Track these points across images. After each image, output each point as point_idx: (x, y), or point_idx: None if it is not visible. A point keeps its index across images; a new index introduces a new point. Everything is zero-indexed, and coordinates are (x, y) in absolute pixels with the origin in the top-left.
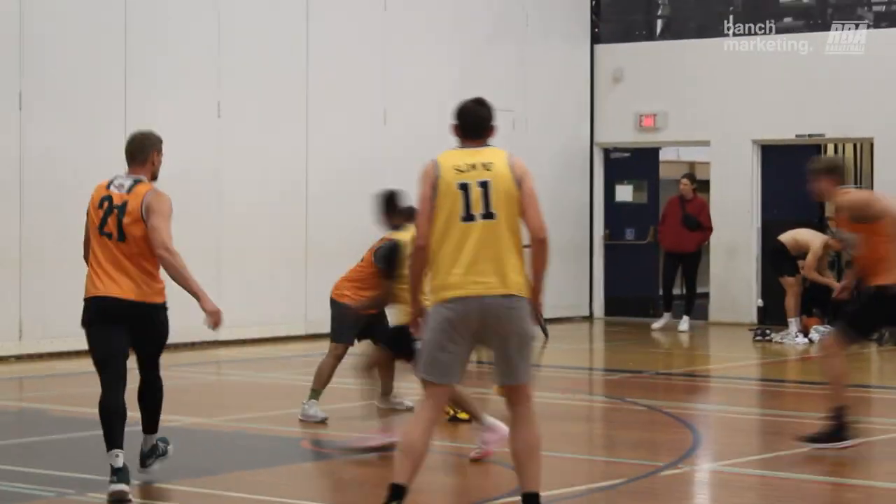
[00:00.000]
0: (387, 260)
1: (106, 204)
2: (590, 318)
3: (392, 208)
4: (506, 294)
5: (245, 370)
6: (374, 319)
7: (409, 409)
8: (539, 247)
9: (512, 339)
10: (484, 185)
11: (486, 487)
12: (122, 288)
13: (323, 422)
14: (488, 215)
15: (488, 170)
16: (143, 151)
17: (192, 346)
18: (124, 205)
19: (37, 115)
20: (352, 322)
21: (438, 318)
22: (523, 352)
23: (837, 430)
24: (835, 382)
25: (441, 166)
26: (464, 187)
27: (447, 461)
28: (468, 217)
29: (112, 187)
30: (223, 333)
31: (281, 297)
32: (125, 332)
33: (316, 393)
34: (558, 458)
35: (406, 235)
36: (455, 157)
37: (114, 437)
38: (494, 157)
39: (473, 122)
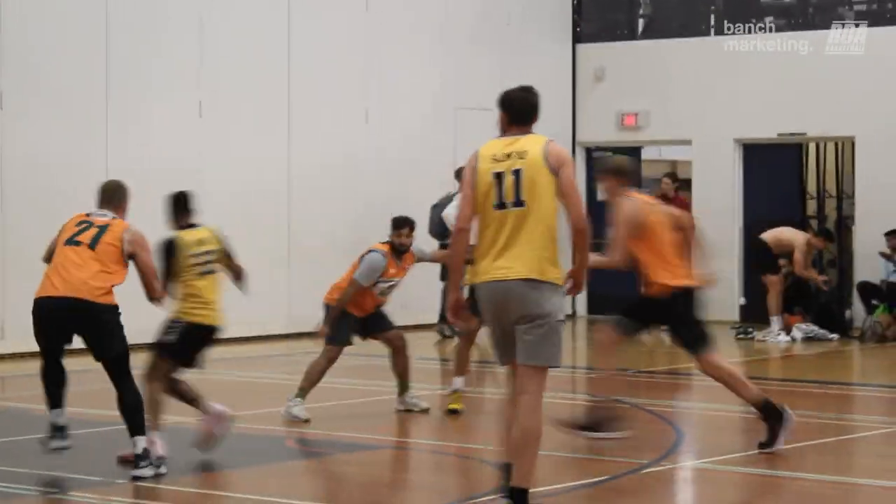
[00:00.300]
0: (163, 253)
1: (84, 225)
2: (573, 316)
3: (181, 209)
4: (527, 278)
5: (227, 369)
6: (369, 318)
7: (424, 411)
8: (578, 236)
9: (529, 321)
10: (517, 173)
11: (466, 485)
12: (76, 289)
13: (306, 422)
14: (519, 203)
15: (522, 158)
16: (117, 198)
17: None
18: (106, 227)
19: (19, 114)
20: (344, 324)
21: (479, 301)
22: (540, 335)
23: (776, 419)
24: (743, 392)
25: (479, 156)
26: (498, 176)
27: (428, 459)
28: (500, 205)
29: (92, 216)
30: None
31: (264, 296)
32: (69, 333)
33: (303, 392)
34: (542, 455)
35: (191, 235)
36: (494, 147)
37: (54, 400)
38: (531, 144)
39: (522, 109)
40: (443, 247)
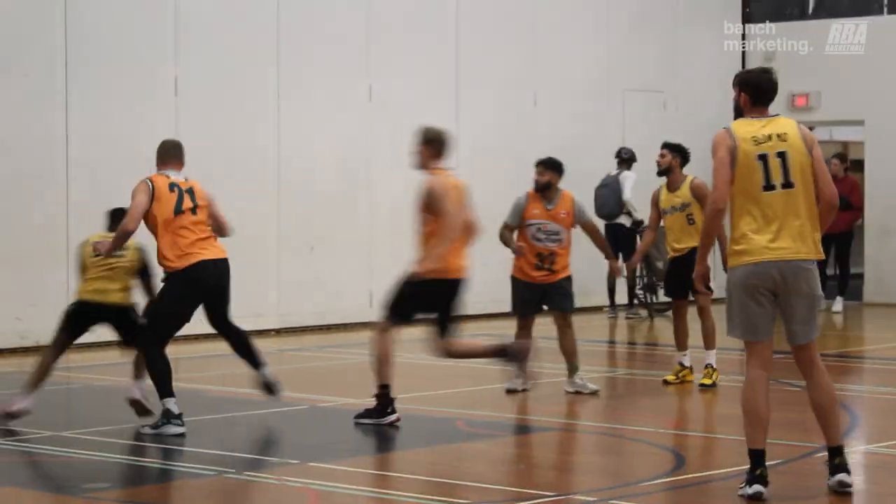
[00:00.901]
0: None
1: (176, 189)
2: None
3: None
4: (803, 259)
5: (406, 351)
6: (545, 291)
7: (594, 393)
8: (831, 212)
9: (804, 300)
10: (782, 155)
11: (640, 468)
12: (217, 250)
13: (524, 391)
14: (788, 184)
15: (784, 140)
16: (182, 155)
17: (345, 327)
18: (191, 189)
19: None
20: (516, 293)
21: (743, 280)
22: (812, 313)
23: (383, 406)
24: (380, 361)
25: (738, 136)
26: (763, 158)
27: (598, 441)
28: (769, 186)
29: (172, 178)
30: (375, 315)
31: None
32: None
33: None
34: (715, 438)
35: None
36: (750, 128)
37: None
38: (787, 127)
39: (769, 90)
40: (609, 227)
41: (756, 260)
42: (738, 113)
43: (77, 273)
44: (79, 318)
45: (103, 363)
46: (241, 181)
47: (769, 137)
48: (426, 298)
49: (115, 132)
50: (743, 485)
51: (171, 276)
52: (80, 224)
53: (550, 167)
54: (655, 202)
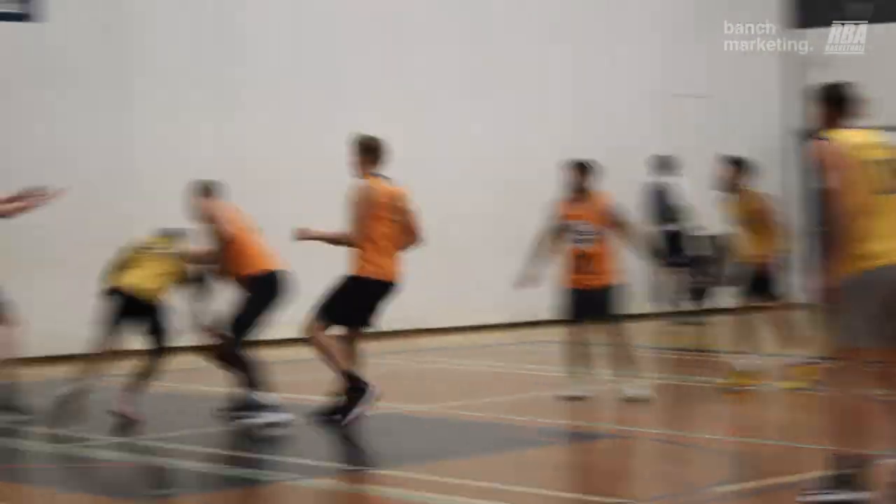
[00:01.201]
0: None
1: None
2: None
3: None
4: None
5: (450, 358)
6: (591, 298)
7: (631, 400)
8: None
9: None
10: (887, 162)
11: (706, 475)
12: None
13: (582, 399)
14: (894, 190)
15: (883, 148)
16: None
17: (395, 334)
18: None
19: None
20: (566, 300)
21: (866, 285)
22: None
23: (357, 389)
24: (330, 355)
25: (847, 145)
26: (872, 164)
27: (660, 448)
28: (881, 191)
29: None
30: (426, 322)
31: (484, 286)
32: None
33: (574, 374)
34: (767, 445)
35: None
36: (853, 137)
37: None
38: (876, 136)
39: (853, 103)
40: (661, 233)
41: (880, 264)
42: (822, 125)
43: (113, 268)
44: (117, 310)
45: (186, 368)
46: (274, 190)
47: (871, 146)
48: (362, 298)
49: (172, 144)
50: (818, 492)
51: (255, 281)
52: (131, 233)
53: (581, 168)
54: (727, 211)
